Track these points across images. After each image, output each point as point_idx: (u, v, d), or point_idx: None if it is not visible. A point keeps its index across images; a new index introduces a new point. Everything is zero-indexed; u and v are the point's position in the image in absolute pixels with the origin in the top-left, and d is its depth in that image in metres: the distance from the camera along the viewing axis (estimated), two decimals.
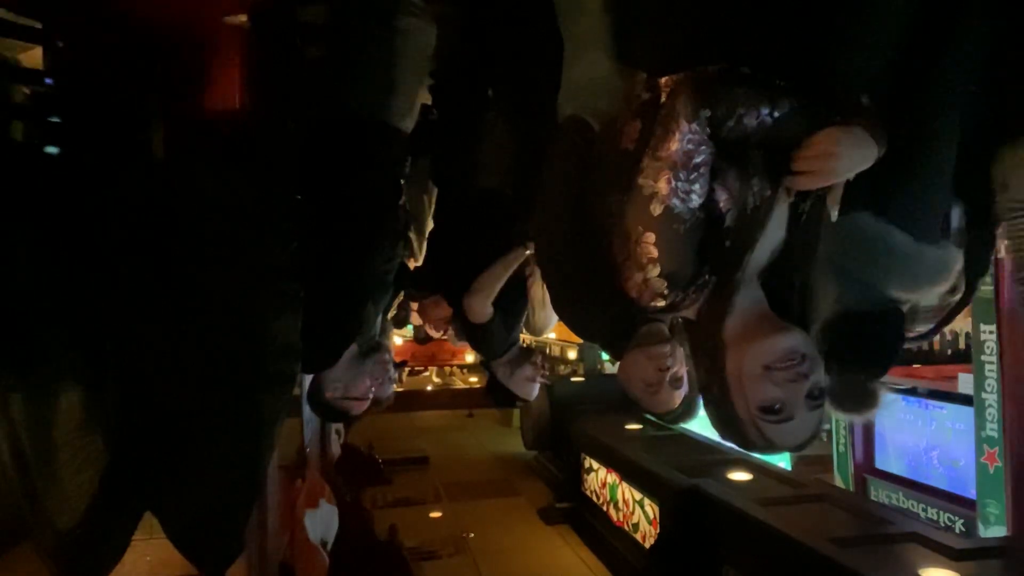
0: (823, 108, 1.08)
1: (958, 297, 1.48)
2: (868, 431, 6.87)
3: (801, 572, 3.20)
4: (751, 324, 1.13)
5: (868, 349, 1.40)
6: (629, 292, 1.18)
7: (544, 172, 1.71)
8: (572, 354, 11.23)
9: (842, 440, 7.09)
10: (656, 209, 1.10)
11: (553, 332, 2.67)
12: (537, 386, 2.42)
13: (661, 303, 1.15)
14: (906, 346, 1.56)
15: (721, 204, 1.12)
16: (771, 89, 1.08)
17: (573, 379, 8.97)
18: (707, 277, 1.14)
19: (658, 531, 4.64)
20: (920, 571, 2.95)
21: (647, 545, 4.79)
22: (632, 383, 1.74)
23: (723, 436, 1.20)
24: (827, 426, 7.67)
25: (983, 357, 5.13)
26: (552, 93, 1.74)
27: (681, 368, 1.72)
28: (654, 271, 1.12)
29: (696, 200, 1.10)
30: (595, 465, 6.00)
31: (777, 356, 1.09)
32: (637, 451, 5.37)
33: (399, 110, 1.84)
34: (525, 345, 2.47)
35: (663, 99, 1.16)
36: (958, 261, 1.36)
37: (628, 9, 1.44)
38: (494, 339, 2.31)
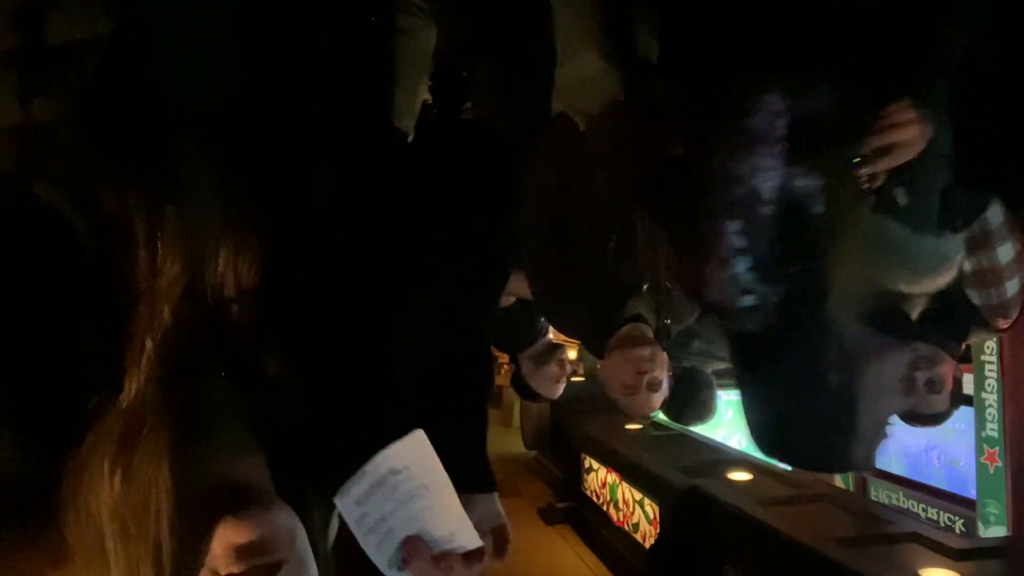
0: (882, 89, 1.00)
1: None
2: None
3: (801, 572, 3.20)
4: (872, 333, 1.03)
5: None
6: (708, 298, 1.04)
7: (529, 168, 1.72)
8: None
9: None
10: (739, 192, 0.98)
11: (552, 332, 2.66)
12: (562, 386, 2.39)
13: (749, 302, 1.00)
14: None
15: (799, 189, 1.00)
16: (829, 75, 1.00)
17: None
18: (794, 269, 1.01)
19: (658, 531, 4.64)
20: (920, 571, 2.95)
21: (647, 545, 4.79)
22: (611, 384, 1.74)
23: (839, 460, 1.09)
24: None
25: (983, 357, 5.13)
26: (545, 91, 1.75)
27: (661, 372, 1.72)
28: (741, 264, 0.98)
29: (778, 181, 0.98)
30: (595, 465, 6.01)
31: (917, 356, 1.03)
32: (637, 451, 5.38)
33: (400, 110, 1.84)
34: (554, 342, 2.44)
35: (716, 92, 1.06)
36: (959, 251, 1.31)
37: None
38: (514, 328, 2.29)
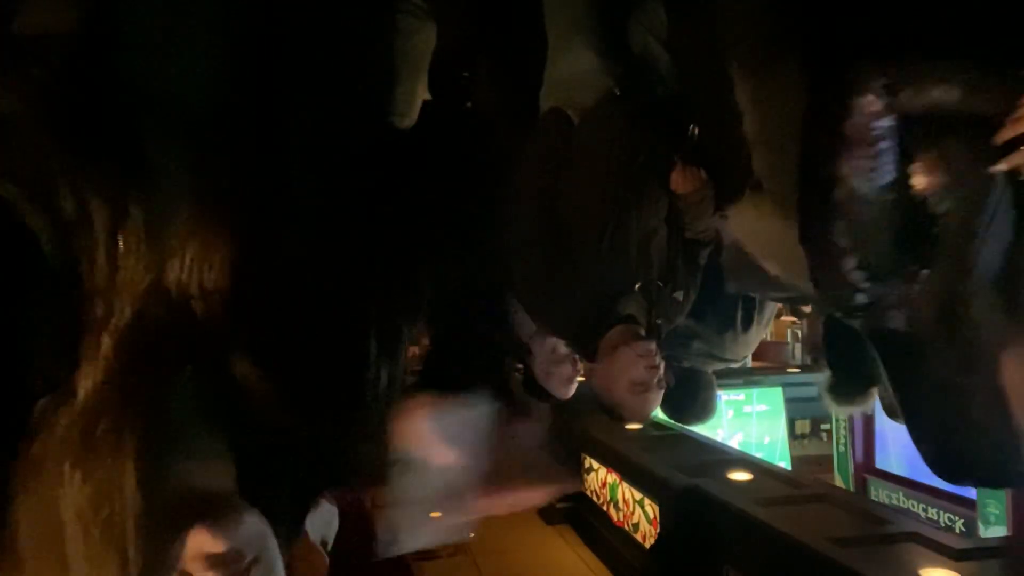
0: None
1: None
2: (868, 431, 6.88)
3: (801, 572, 3.19)
4: (1013, 333, 0.98)
5: None
6: (823, 291, 1.08)
7: (520, 163, 1.72)
8: None
9: (842, 440, 7.09)
10: (840, 194, 1.00)
11: None
12: (574, 386, 2.38)
13: (862, 299, 1.03)
14: None
15: (921, 186, 1.00)
16: (957, 58, 0.97)
17: None
18: (915, 270, 1.01)
19: (658, 531, 4.64)
20: (920, 571, 2.95)
21: (647, 545, 4.78)
22: (617, 383, 1.71)
23: (981, 468, 1.04)
24: (827, 426, 7.67)
25: None
26: (537, 86, 1.75)
27: (662, 368, 1.71)
28: (849, 263, 1.01)
29: (884, 179, 0.99)
30: (595, 465, 6.00)
31: None
32: (637, 451, 5.37)
33: (400, 109, 1.84)
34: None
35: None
36: None
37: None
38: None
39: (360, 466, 0.83)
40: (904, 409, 1.12)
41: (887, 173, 0.99)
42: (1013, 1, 0.97)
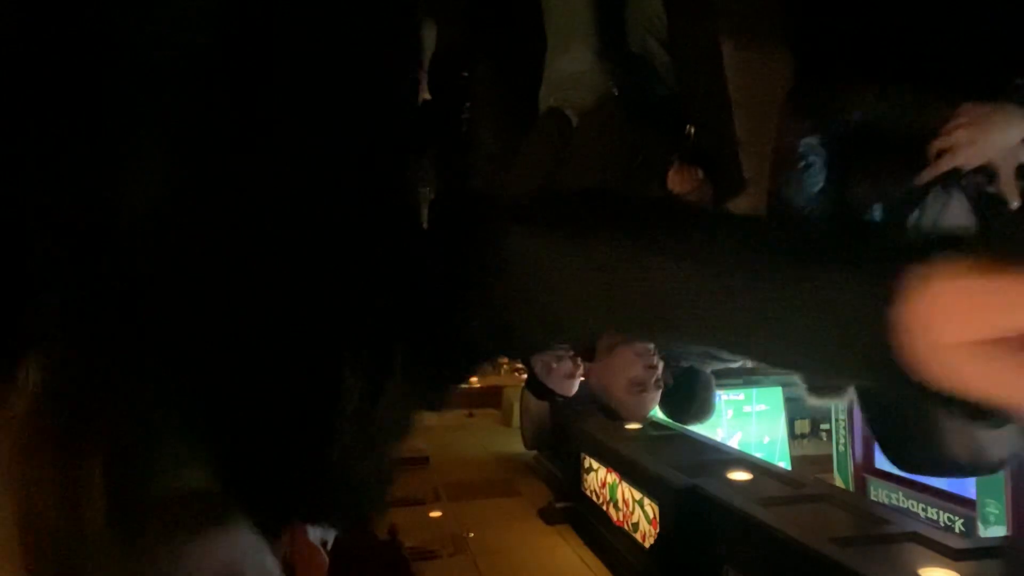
0: (955, 89, 1.01)
1: None
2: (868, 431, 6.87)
3: (801, 572, 3.20)
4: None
5: None
6: None
7: (519, 161, 1.72)
8: None
9: (842, 440, 7.09)
10: (774, 204, 1.12)
11: None
12: (577, 382, 2.39)
13: None
14: None
15: (860, 196, 1.08)
16: (885, 76, 1.05)
17: None
18: None
19: (658, 531, 4.64)
20: (920, 571, 2.95)
21: (647, 545, 4.79)
22: (616, 383, 1.72)
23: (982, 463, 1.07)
24: (826, 426, 7.67)
25: None
26: (536, 87, 1.75)
27: (660, 368, 1.72)
28: None
29: (810, 189, 1.09)
30: (595, 465, 6.01)
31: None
32: (637, 451, 5.37)
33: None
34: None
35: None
36: None
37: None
38: None
39: (327, 502, 0.77)
40: (862, 403, 1.18)
41: (813, 184, 1.08)
42: (946, 25, 1.03)
